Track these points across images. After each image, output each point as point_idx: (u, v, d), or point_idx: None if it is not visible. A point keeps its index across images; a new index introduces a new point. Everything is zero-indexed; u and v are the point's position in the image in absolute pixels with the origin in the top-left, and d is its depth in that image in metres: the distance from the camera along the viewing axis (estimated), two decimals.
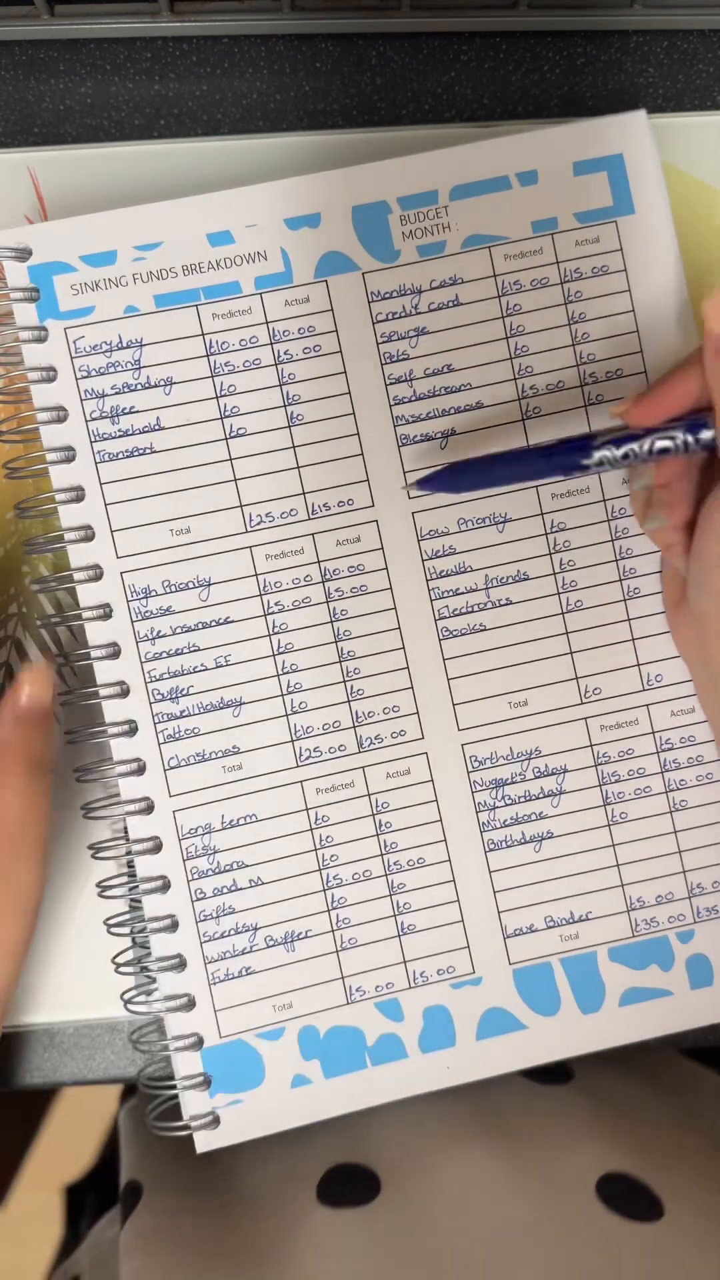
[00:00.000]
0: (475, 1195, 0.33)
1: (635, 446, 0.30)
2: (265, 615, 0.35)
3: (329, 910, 0.35)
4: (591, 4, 0.37)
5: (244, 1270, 0.31)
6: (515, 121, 0.38)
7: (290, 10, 0.36)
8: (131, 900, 0.36)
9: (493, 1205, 0.33)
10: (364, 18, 0.37)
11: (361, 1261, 0.31)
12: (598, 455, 0.31)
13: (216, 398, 0.35)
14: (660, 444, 0.30)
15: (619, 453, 0.30)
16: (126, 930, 0.36)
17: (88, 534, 0.35)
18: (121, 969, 0.36)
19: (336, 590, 0.35)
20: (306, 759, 0.35)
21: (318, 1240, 0.32)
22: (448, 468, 0.33)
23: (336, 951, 0.35)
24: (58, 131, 0.38)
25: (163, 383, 0.34)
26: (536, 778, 0.35)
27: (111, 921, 0.36)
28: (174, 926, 0.35)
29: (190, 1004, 0.35)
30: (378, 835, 0.35)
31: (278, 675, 0.35)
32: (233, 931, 0.35)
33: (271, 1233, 0.33)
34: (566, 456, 0.31)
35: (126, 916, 0.36)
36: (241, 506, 0.35)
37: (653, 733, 0.35)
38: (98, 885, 0.36)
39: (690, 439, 0.30)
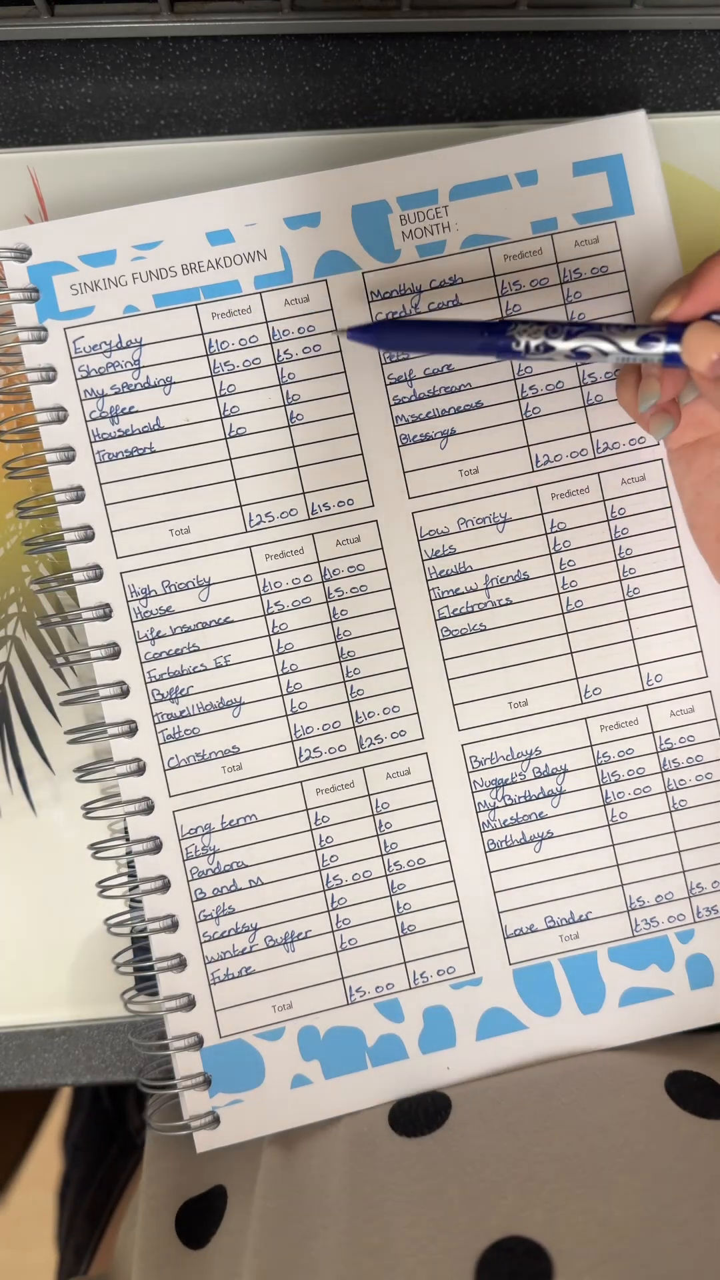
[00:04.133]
0: (546, 1101, 0.33)
1: (556, 341, 0.31)
2: (265, 615, 0.35)
3: (329, 910, 0.35)
4: (591, 4, 0.37)
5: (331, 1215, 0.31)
6: (515, 121, 0.38)
7: (290, 10, 0.36)
8: (131, 900, 0.36)
9: (564, 1109, 0.33)
10: (364, 18, 0.37)
11: (436, 1175, 0.31)
12: (523, 341, 0.31)
13: (216, 397, 0.35)
14: (577, 345, 0.30)
15: (536, 342, 0.31)
16: (126, 930, 0.36)
17: (87, 534, 0.35)
18: (121, 969, 0.36)
19: (336, 590, 0.35)
20: (306, 759, 0.35)
21: (393, 1165, 0.32)
22: (382, 322, 0.32)
23: (336, 952, 0.35)
24: (58, 131, 0.38)
25: (162, 382, 0.34)
26: (536, 778, 0.35)
27: (111, 921, 0.36)
28: (174, 926, 0.35)
29: (190, 1004, 0.35)
30: (378, 835, 0.35)
31: (277, 675, 0.35)
32: (232, 931, 0.35)
33: (348, 1166, 0.33)
34: (496, 335, 0.31)
35: (126, 916, 0.36)
36: (241, 506, 0.35)
37: (652, 732, 0.35)
38: (97, 885, 0.36)
39: (609, 346, 0.30)
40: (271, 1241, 0.31)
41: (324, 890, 0.35)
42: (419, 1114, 0.34)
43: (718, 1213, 0.28)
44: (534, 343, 0.31)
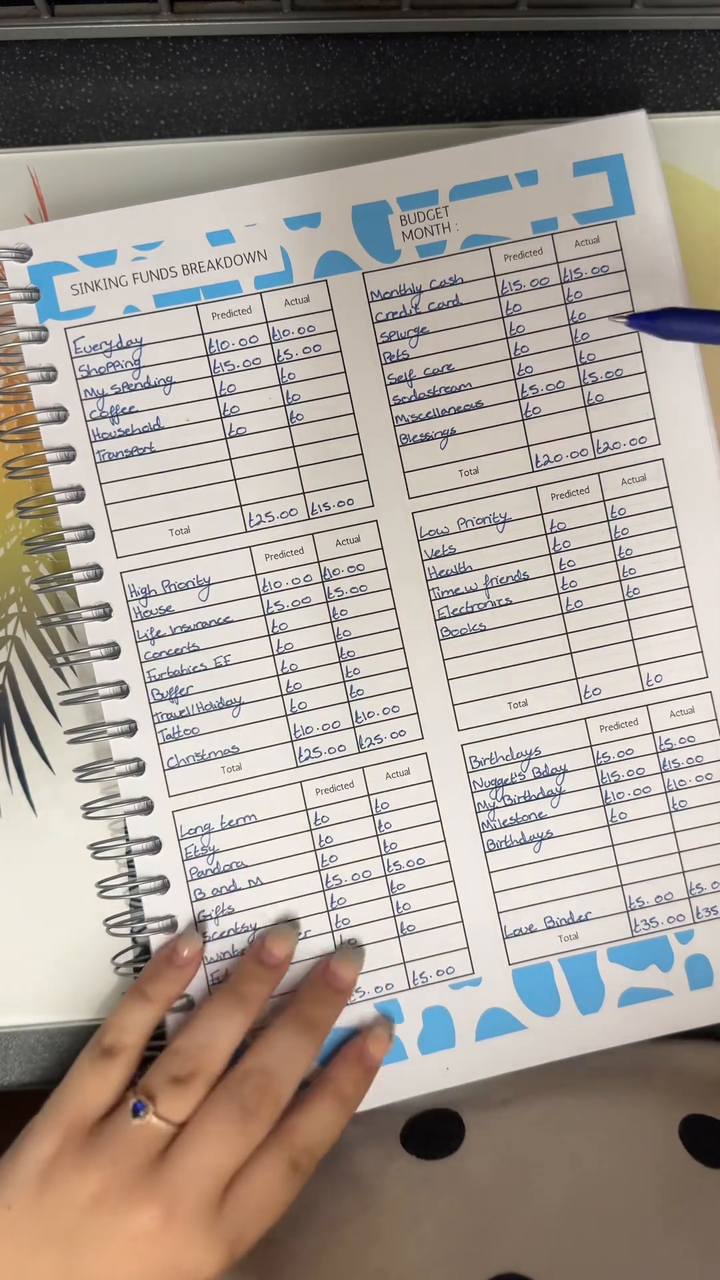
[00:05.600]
0: (559, 1135, 0.33)
1: None
2: (265, 615, 0.35)
3: (328, 911, 0.35)
4: (591, 4, 0.37)
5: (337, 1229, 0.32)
6: (515, 121, 0.38)
7: (290, 10, 0.36)
8: (132, 900, 0.35)
9: (577, 1147, 0.33)
10: (364, 18, 0.37)
11: (445, 1202, 0.31)
12: None
13: (216, 397, 0.35)
14: None
15: None
16: (126, 930, 0.36)
17: (87, 534, 0.35)
18: (121, 969, 0.36)
19: (336, 590, 0.35)
20: (306, 759, 0.35)
21: (403, 1187, 0.33)
22: (668, 310, 0.32)
23: (334, 953, 0.35)
24: (58, 131, 0.38)
25: (162, 382, 0.34)
26: (536, 778, 0.35)
27: (111, 921, 0.36)
28: (173, 927, 0.35)
29: (189, 1005, 0.35)
30: (377, 836, 0.35)
31: (277, 675, 0.35)
32: (232, 932, 0.35)
33: (359, 1183, 0.33)
34: None
35: (127, 916, 0.36)
36: (241, 506, 0.35)
37: (652, 733, 0.35)
38: (97, 885, 0.36)
39: None
40: (282, 1252, 0.32)
41: (323, 890, 0.35)
42: (433, 1136, 0.34)
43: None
44: None
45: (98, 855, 0.36)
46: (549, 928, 0.35)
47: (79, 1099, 0.32)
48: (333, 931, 0.35)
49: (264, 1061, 0.32)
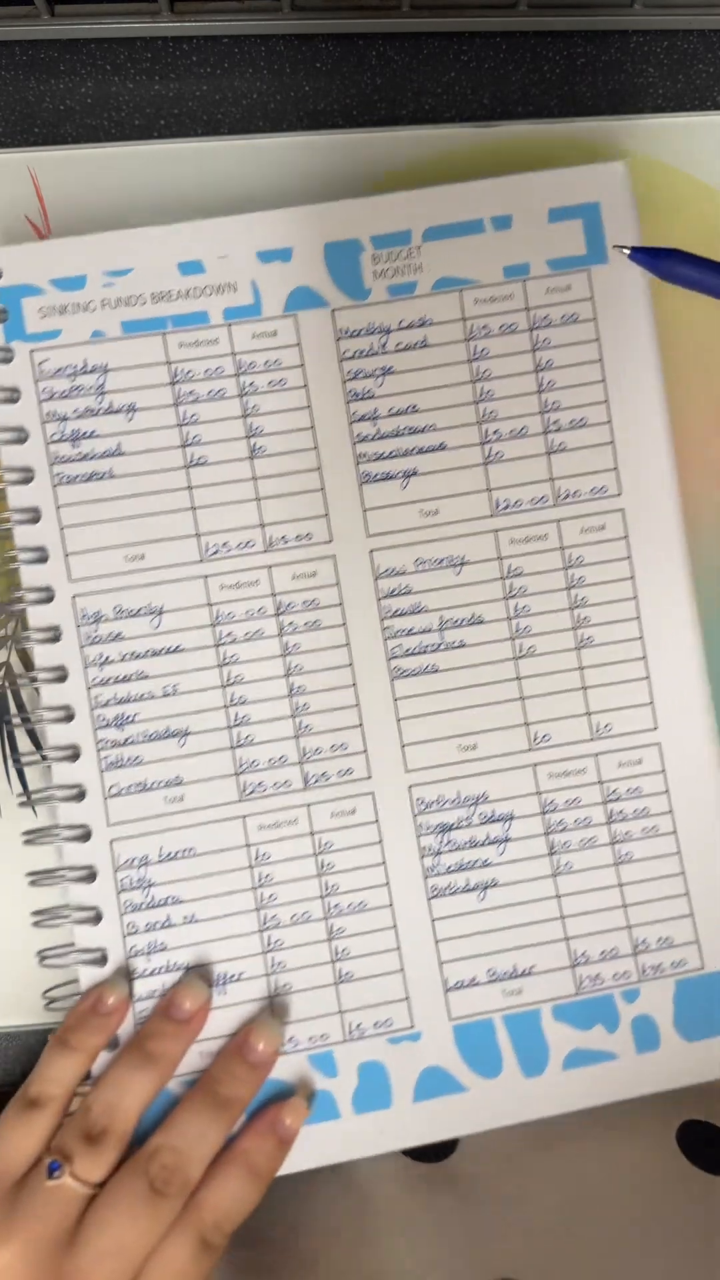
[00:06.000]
0: (554, 1141, 0.33)
1: None
2: (216, 646, 0.35)
3: (264, 953, 0.34)
4: (591, 4, 0.37)
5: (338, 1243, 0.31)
6: (515, 121, 0.38)
7: (290, 10, 0.36)
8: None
9: (573, 1153, 0.32)
10: (364, 18, 0.37)
11: (440, 1206, 0.31)
12: None
13: (179, 426, 0.35)
14: None
15: None
16: (63, 962, 0.35)
17: (41, 555, 0.34)
18: (51, 1006, 0.35)
19: (290, 624, 0.35)
20: (250, 793, 0.34)
21: (398, 1190, 0.32)
22: (675, 252, 0.31)
23: (270, 997, 0.34)
24: (58, 131, 0.38)
25: (126, 409, 0.34)
26: (483, 823, 0.35)
27: (47, 953, 0.35)
28: (103, 960, 0.34)
29: (115, 1045, 0.34)
30: (319, 876, 0.34)
31: (226, 707, 0.35)
32: (163, 970, 0.34)
33: (355, 1186, 0.33)
34: None
35: (63, 948, 0.35)
36: (198, 535, 0.35)
37: (600, 783, 0.35)
38: (33, 915, 0.35)
39: None
40: (278, 1253, 0.32)
41: (260, 931, 0.34)
42: None
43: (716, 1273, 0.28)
44: None
45: (35, 884, 0.35)
46: (492, 981, 0.34)
47: (4, 1152, 0.31)
48: (268, 975, 0.34)
49: (173, 1140, 0.31)
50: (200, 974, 0.34)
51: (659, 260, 0.31)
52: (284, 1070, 0.34)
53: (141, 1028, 0.33)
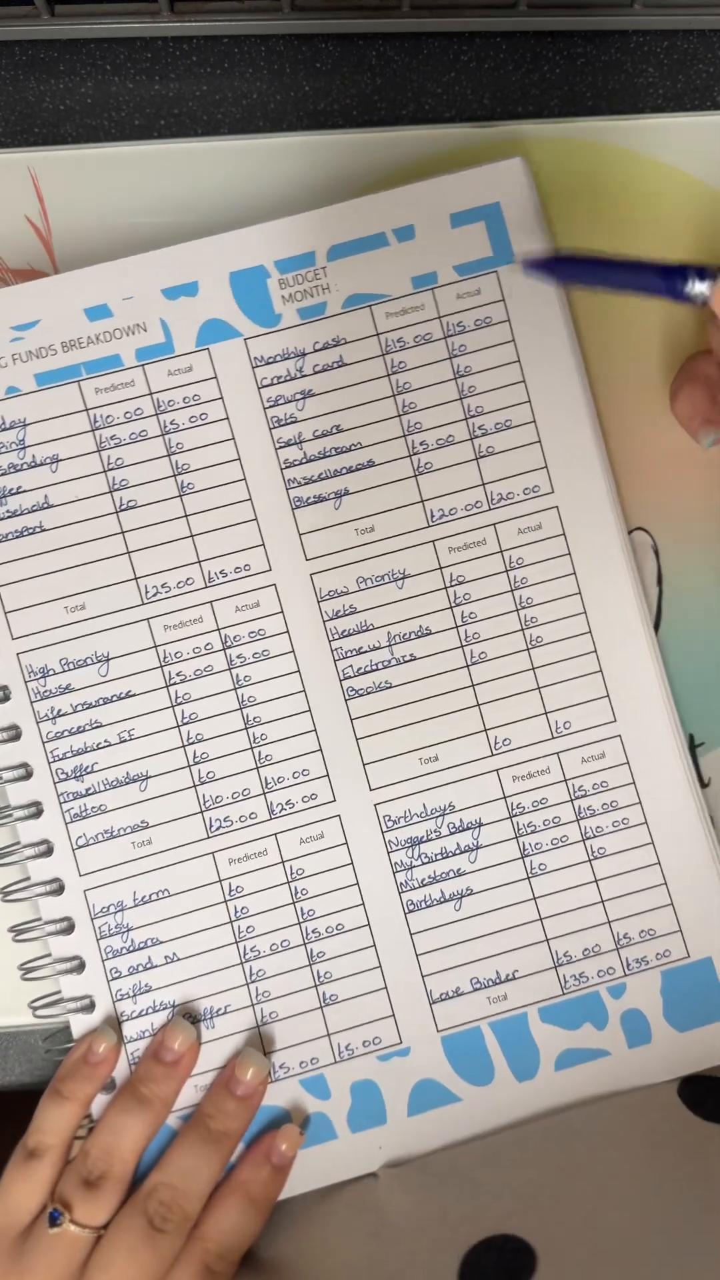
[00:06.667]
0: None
1: None
2: (167, 686, 0.35)
3: (248, 984, 0.34)
4: (591, 4, 0.37)
5: None
6: (515, 121, 0.38)
7: (290, 10, 0.36)
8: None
9: (579, 1115, 0.33)
10: (364, 18, 0.36)
11: (433, 1179, 0.32)
12: (699, 289, 0.29)
13: (105, 472, 0.35)
14: None
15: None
16: (54, 1012, 0.35)
17: None
18: (48, 1053, 0.35)
19: (238, 656, 0.35)
20: (217, 829, 0.35)
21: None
22: (558, 257, 0.31)
23: (257, 1027, 0.34)
24: (58, 131, 0.38)
25: (49, 460, 0.34)
26: (452, 833, 0.35)
27: (37, 1004, 0.35)
28: (90, 1006, 0.34)
29: (111, 1087, 0.34)
30: (294, 903, 0.35)
31: (183, 746, 0.35)
32: (150, 1010, 0.34)
33: None
34: (673, 280, 0.29)
35: (53, 996, 0.35)
36: (136, 579, 0.35)
37: (565, 780, 0.35)
38: (20, 967, 0.35)
39: None
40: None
41: (241, 963, 0.34)
42: None
43: (714, 1218, 0.28)
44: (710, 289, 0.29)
45: (18, 938, 0.35)
46: (476, 989, 0.34)
47: (8, 1205, 0.32)
48: (253, 1005, 0.34)
49: (169, 1176, 0.32)
50: (187, 1012, 0.34)
51: (548, 269, 0.31)
52: (277, 1096, 0.34)
53: (134, 1072, 0.34)
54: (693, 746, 0.36)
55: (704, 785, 0.36)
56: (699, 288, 0.29)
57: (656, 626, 0.36)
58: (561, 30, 0.38)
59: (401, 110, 0.38)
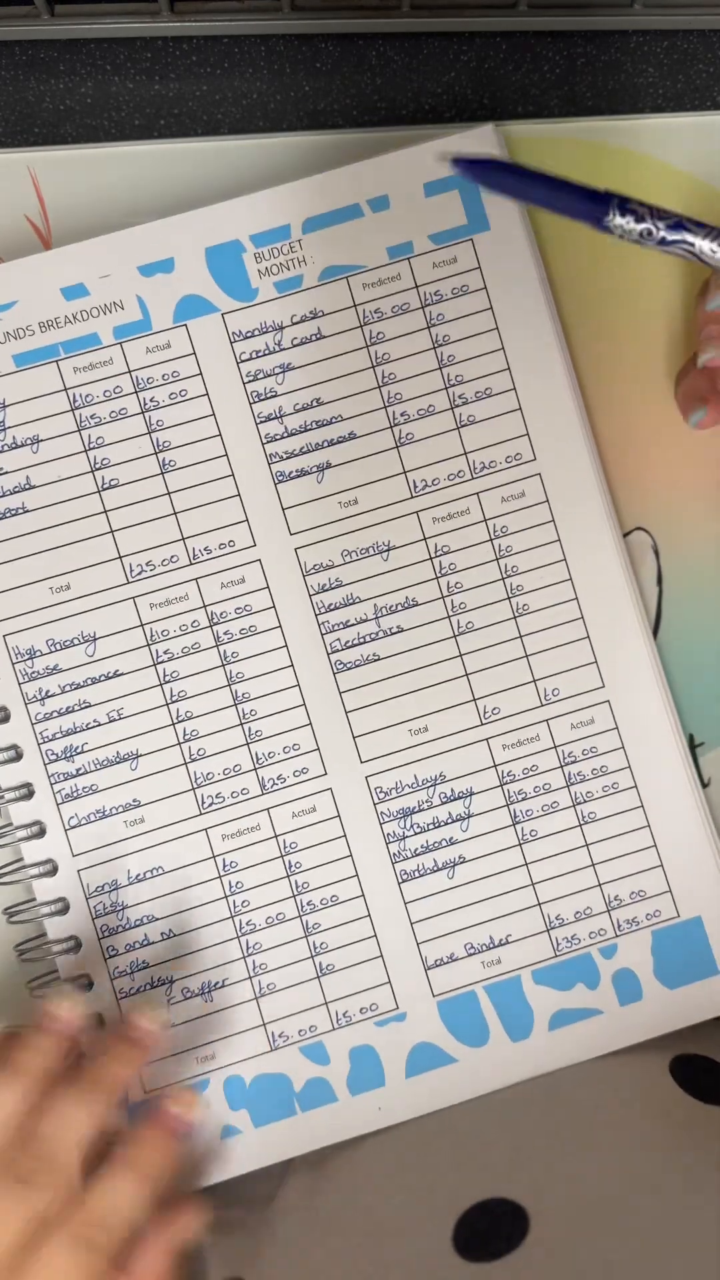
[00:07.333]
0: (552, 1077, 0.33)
1: (653, 226, 0.28)
2: (155, 665, 0.35)
3: (245, 957, 0.35)
4: (591, 4, 0.37)
5: None
6: (515, 121, 0.37)
7: (290, 10, 0.36)
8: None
9: (562, 1082, 0.33)
10: (364, 18, 0.36)
11: (424, 1148, 0.32)
12: (619, 221, 0.28)
13: (86, 451, 0.34)
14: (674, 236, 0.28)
15: (638, 227, 0.29)
16: (50, 992, 0.35)
17: None
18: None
19: (225, 633, 0.35)
20: (209, 806, 0.35)
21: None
22: (491, 160, 0.30)
23: (256, 998, 0.34)
24: (58, 131, 0.38)
25: (29, 441, 0.34)
26: (443, 803, 0.35)
27: (33, 984, 0.35)
28: (89, 985, 0.34)
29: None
30: (288, 876, 0.35)
31: (173, 724, 0.35)
32: (148, 986, 0.34)
33: None
34: (596, 205, 0.28)
35: (48, 977, 0.35)
36: (121, 558, 0.35)
37: (554, 747, 0.35)
38: (16, 949, 0.35)
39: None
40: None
41: (237, 936, 0.35)
42: None
43: (702, 1186, 0.28)
44: (631, 226, 0.28)
45: (13, 920, 0.35)
46: (470, 954, 0.35)
47: None
48: (250, 978, 0.35)
49: (40, 1126, 0.29)
50: (156, 993, 0.34)
51: (480, 170, 0.30)
52: (277, 1063, 0.34)
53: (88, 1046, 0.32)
54: (693, 746, 0.36)
55: (704, 785, 0.36)
56: (618, 220, 0.28)
57: (656, 627, 0.37)
58: (561, 30, 0.38)
59: (401, 110, 0.38)
